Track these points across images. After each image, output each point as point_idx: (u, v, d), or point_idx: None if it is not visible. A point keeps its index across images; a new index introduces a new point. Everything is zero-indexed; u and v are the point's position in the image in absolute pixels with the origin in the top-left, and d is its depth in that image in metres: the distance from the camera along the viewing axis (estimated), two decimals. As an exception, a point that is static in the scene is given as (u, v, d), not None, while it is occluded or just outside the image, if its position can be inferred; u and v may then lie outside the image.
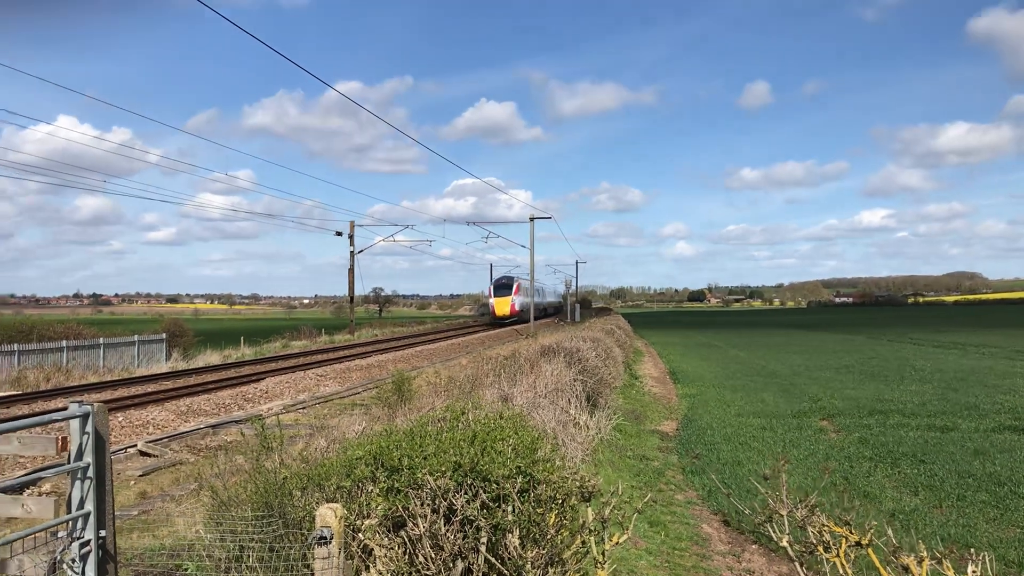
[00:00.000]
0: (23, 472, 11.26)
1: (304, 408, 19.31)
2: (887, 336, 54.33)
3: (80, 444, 4.68)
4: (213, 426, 16.31)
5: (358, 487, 5.37)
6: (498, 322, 71.69)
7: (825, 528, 4.24)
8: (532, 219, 51.80)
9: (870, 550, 4.17)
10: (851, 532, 4.15)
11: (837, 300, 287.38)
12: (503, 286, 74.15)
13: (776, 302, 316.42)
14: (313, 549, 4.66)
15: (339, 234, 58.13)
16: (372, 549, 4.84)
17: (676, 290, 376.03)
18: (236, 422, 16.80)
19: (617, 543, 4.83)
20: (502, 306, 72.60)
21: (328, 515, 4.65)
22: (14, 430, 4.40)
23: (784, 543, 4.41)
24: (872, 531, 4.17)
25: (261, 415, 16.42)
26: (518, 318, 72.29)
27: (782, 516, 4.55)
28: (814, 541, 4.25)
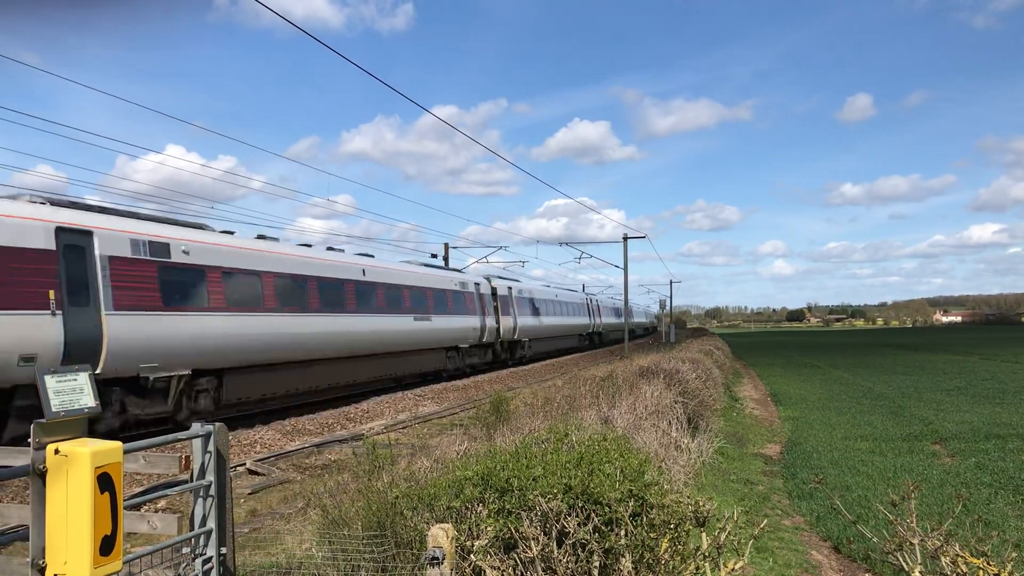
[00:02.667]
0: (140, 488, 11.70)
1: (404, 428, 19.55)
2: (1001, 356, 51.68)
3: (203, 463, 4.83)
4: (317, 445, 16.65)
5: (467, 508, 5.38)
6: None
7: (960, 558, 4.02)
8: (625, 238, 51.18)
9: (1010, 583, 3.93)
10: (989, 564, 3.92)
11: (945, 319, 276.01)
12: None
13: (879, 321, 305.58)
14: (425, 569, 4.68)
15: (434, 256, 58.86)
16: (483, 570, 4.84)
17: (774, 310, 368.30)
18: (340, 441, 17.12)
19: (733, 570, 4.70)
20: None
21: (440, 535, 4.67)
22: (141, 449, 4.56)
23: (916, 573, 4.19)
24: (1013, 563, 3.93)
25: (363, 434, 16.69)
26: None
27: (913, 545, 4.34)
28: (948, 572, 4.03)
